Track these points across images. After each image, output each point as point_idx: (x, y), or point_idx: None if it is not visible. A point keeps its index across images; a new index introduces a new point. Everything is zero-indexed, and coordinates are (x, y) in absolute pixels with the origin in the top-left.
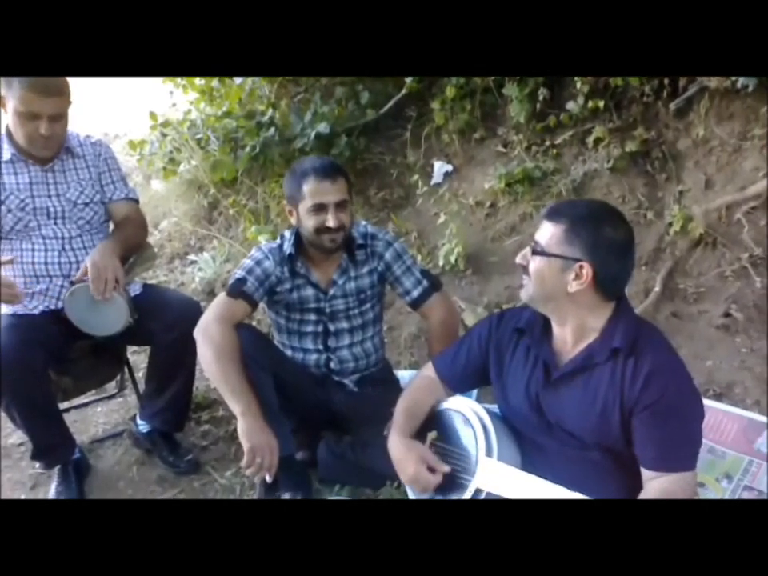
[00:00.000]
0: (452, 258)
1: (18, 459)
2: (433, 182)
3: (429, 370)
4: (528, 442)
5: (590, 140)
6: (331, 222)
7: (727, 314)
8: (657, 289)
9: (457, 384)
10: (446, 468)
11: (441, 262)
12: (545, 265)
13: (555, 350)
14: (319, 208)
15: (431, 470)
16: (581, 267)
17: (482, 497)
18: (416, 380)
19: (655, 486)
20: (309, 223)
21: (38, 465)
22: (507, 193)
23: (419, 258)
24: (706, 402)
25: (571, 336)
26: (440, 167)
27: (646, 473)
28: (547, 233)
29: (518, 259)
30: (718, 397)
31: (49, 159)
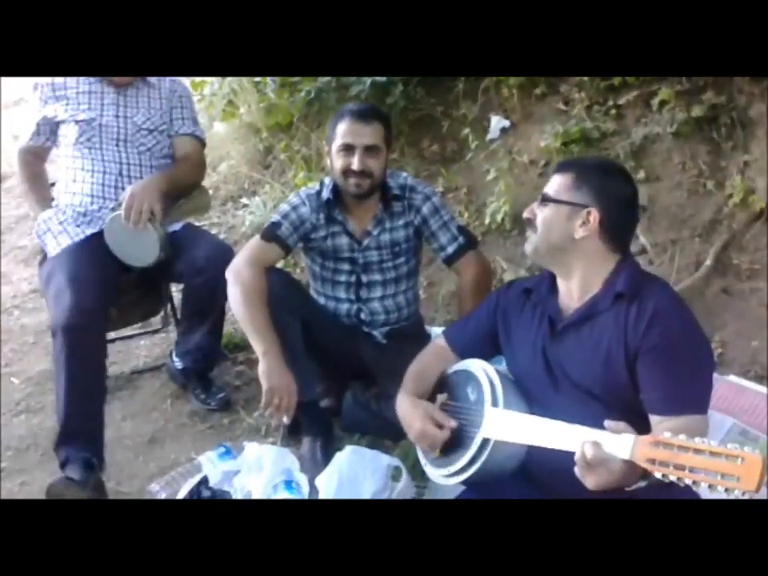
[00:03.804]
0: (498, 217)
1: None
2: (489, 136)
3: (440, 338)
4: (535, 402)
5: (655, 102)
6: (356, 165)
7: None
8: (708, 263)
9: (465, 351)
10: (453, 423)
11: (487, 220)
12: (553, 213)
13: (561, 305)
14: (347, 149)
15: (438, 426)
16: (588, 213)
17: (489, 446)
18: (427, 347)
19: (661, 430)
20: (336, 164)
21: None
22: (562, 152)
23: (466, 215)
24: (743, 383)
25: (577, 290)
26: (497, 122)
27: (654, 419)
28: (556, 183)
29: (525, 213)
30: (759, 379)
31: (125, 85)
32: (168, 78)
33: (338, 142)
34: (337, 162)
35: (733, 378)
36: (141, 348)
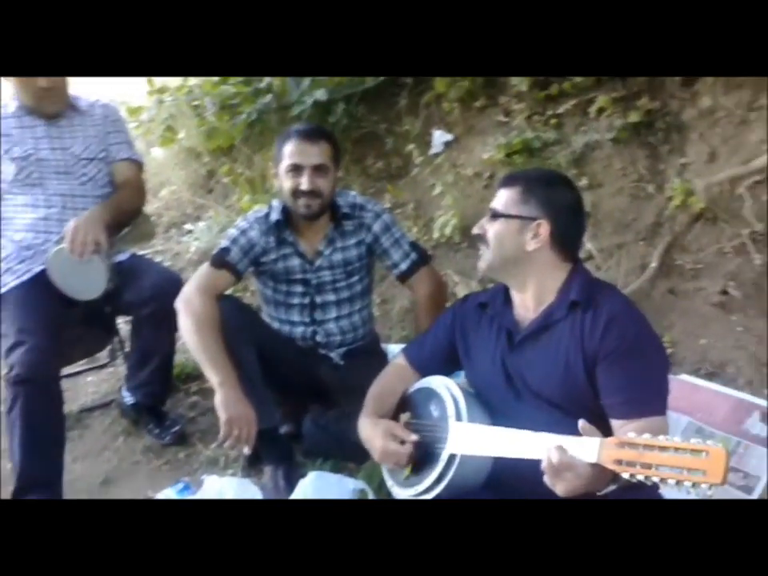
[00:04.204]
0: (447, 230)
1: None
2: (432, 151)
3: (399, 357)
4: (498, 414)
5: (593, 110)
6: (305, 185)
7: (724, 292)
8: (654, 264)
9: (425, 369)
10: (414, 437)
11: (436, 234)
12: (503, 227)
13: (517, 317)
14: (295, 169)
15: (401, 442)
16: (538, 225)
17: (456, 462)
18: (387, 368)
19: (623, 433)
20: (285, 185)
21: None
22: (506, 164)
23: (415, 229)
24: (696, 381)
25: (532, 301)
26: (440, 136)
27: (615, 424)
28: (503, 197)
29: (475, 230)
30: (710, 375)
31: (55, 115)
32: (98, 104)
33: (285, 162)
34: (285, 182)
35: (685, 376)
36: (88, 385)
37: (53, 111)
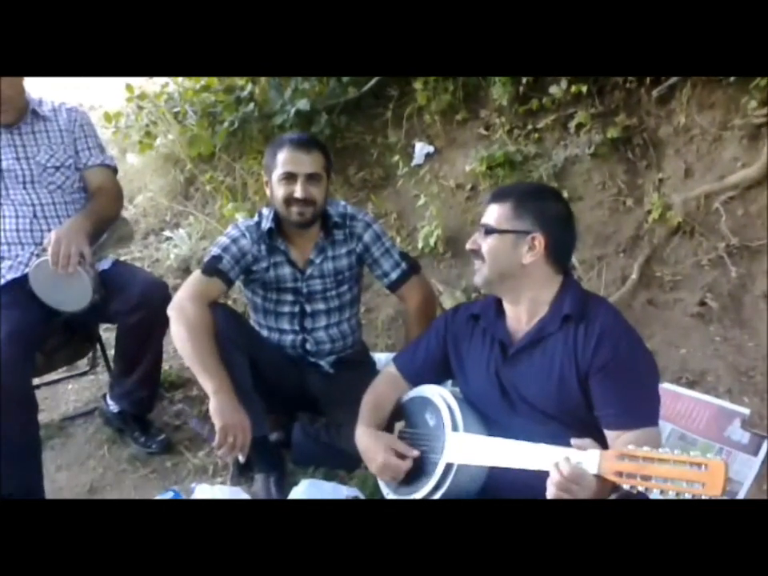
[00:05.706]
0: (431, 241)
1: None
2: (414, 162)
3: (391, 366)
4: (493, 425)
5: (572, 125)
6: (299, 193)
7: (702, 303)
8: (634, 276)
9: (417, 379)
10: (415, 452)
11: (420, 245)
12: (498, 242)
13: (510, 329)
14: (289, 177)
15: (400, 456)
16: (533, 239)
17: (453, 471)
18: (379, 377)
19: (619, 444)
20: (278, 193)
21: None
22: (488, 176)
23: (398, 239)
24: (678, 389)
25: (525, 313)
26: (421, 148)
27: (609, 435)
28: (495, 213)
29: (469, 245)
30: (691, 384)
31: (13, 123)
32: (64, 108)
33: (279, 170)
34: (278, 190)
35: (667, 385)
36: (69, 392)
37: (10, 120)
